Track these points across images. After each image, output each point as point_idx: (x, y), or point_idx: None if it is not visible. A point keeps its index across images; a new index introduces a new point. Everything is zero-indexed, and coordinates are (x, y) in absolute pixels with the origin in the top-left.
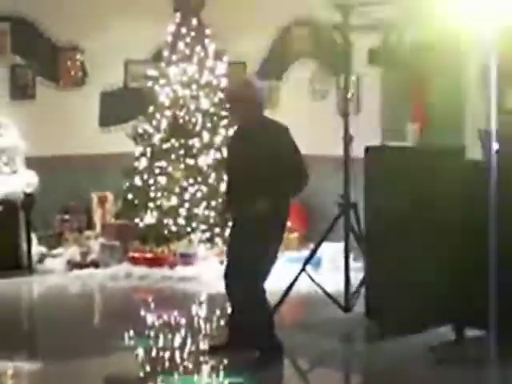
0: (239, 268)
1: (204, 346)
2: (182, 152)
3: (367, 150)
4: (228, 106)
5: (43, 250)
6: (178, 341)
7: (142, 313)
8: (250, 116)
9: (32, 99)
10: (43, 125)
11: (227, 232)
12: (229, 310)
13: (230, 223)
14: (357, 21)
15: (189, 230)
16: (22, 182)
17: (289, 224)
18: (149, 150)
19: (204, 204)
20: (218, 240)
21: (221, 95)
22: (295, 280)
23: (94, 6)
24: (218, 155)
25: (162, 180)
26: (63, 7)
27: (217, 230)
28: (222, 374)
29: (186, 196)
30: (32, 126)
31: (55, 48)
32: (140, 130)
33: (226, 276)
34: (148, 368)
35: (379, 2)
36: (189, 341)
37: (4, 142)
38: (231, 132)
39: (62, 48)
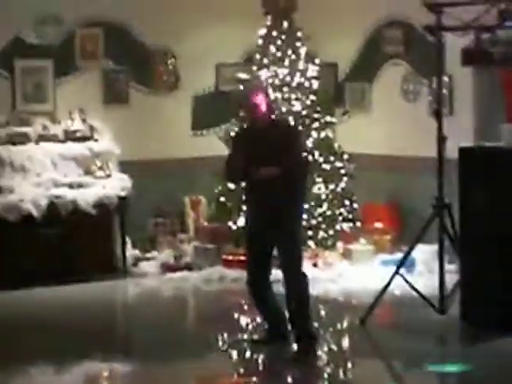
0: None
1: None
2: None
3: (461, 150)
4: (242, 110)
5: (137, 253)
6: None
7: (236, 315)
8: (262, 118)
9: (125, 103)
10: (136, 129)
11: (320, 235)
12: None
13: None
14: (449, 21)
15: None
16: (115, 185)
17: (381, 226)
18: None
19: None
20: (310, 243)
21: (313, 97)
22: (389, 282)
23: (186, 11)
24: (310, 158)
25: None
26: (155, 12)
27: (309, 232)
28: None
29: None
30: (125, 131)
31: (148, 52)
32: (232, 133)
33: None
34: (242, 370)
35: (471, 2)
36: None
37: (98, 146)
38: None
39: (155, 52)
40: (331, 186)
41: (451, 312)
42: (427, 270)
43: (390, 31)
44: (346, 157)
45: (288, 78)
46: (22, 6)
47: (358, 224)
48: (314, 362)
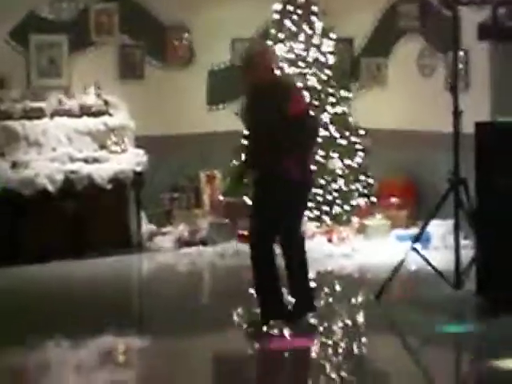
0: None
1: (312, 322)
2: None
3: (477, 125)
4: (242, 71)
5: (153, 228)
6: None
7: (251, 290)
8: (261, 79)
9: (140, 79)
10: (152, 104)
11: (335, 210)
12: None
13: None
14: None
15: None
16: (131, 160)
17: (397, 201)
18: None
19: None
20: (325, 218)
21: (328, 72)
22: (405, 257)
23: None
24: (326, 133)
25: None
26: None
27: (325, 207)
28: None
29: None
30: (141, 106)
31: (163, 27)
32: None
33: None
34: (256, 345)
35: None
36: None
37: (113, 121)
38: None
39: (170, 27)
40: (347, 162)
41: (466, 287)
42: (443, 245)
43: (406, 6)
44: (361, 132)
45: (303, 53)
46: None
47: (374, 199)
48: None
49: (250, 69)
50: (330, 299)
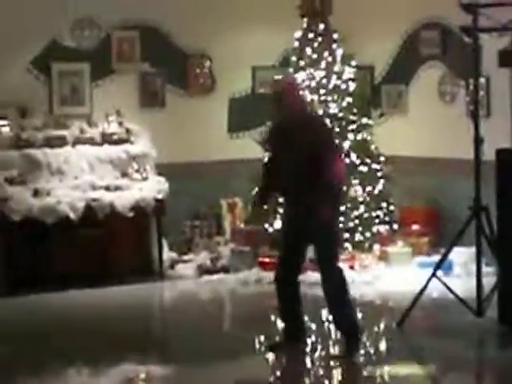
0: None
1: (334, 351)
2: None
3: (498, 152)
4: (271, 105)
5: (174, 255)
6: (308, 346)
7: (273, 318)
8: (290, 113)
9: (162, 106)
10: (173, 132)
11: (357, 237)
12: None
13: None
14: (486, 22)
15: None
16: (152, 188)
17: (419, 228)
18: None
19: None
20: (347, 245)
21: (349, 99)
22: (426, 284)
23: (222, 13)
24: (347, 160)
25: None
26: (191, 14)
27: (346, 234)
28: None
29: None
30: (162, 133)
31: (184, 55)
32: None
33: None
34: (278, 373)
35: (508, 3)
36: (319, 346)
37: (135, 149)
38: (354, 137)
39: (191, 55)
40: (368, 188)
41: (489, 315)
42: (465, 273)
43: (427, 33)
44: (382, 159)
45: (324, 81)
46: (59, 10)
47: (395, 226)
48: (356, 360)
49: (278, 103)
50: None
